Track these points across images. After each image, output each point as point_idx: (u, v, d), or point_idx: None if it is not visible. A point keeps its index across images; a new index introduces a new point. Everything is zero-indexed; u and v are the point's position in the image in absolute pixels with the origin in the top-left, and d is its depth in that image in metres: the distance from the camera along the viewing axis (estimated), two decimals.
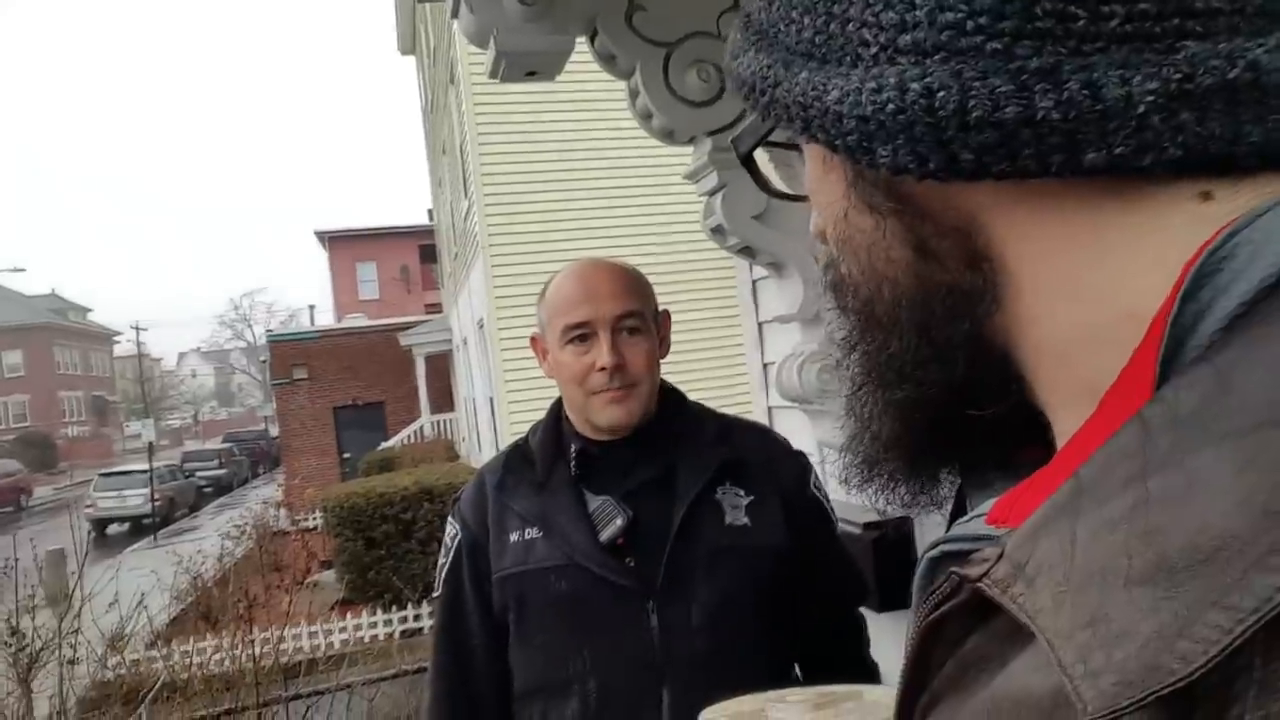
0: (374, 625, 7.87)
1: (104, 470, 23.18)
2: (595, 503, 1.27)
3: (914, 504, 0.44)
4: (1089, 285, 0.33)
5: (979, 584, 0.30)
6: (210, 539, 11.75)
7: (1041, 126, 0.31)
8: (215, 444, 36.50)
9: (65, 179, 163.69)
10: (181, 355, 78.52)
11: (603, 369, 1.25)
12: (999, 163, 0.32)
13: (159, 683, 4.54)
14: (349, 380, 20.28)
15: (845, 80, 0.34)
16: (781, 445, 1.42)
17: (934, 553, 0.37)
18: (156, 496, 18.77)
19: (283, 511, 15.03)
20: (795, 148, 0.44)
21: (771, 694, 0.70)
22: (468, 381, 13.55)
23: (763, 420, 2.89)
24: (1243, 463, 0.25)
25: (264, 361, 33.30)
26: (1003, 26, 0.31)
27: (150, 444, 19.79)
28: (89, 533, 12.47)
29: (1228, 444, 0.26)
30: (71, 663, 3.52)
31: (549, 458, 1.33)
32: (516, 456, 1.37)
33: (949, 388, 0.38)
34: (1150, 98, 0.30)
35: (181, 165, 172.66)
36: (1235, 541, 0.24)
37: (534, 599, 1.26)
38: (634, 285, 1.32)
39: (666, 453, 1.30)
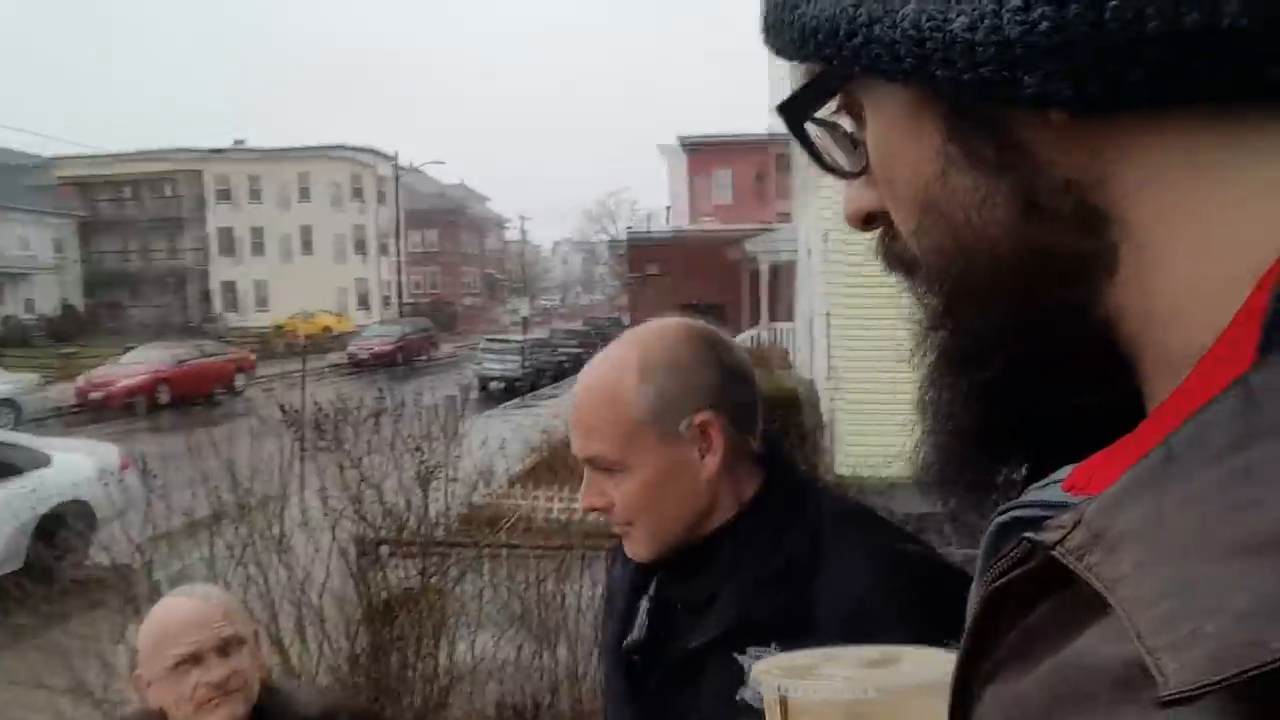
0: None
1: (490, 336, 27.13)
2: (644, 599, 1.12)
3: (987, 510, 0.39)
4: (1217, 239, 0.30)
5: (1053, 551, 0.28)
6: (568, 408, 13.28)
7: (1227, 35, 0.27)
8: (577, 325, 40.80)
9: (476, 93, 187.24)
10: (555, 244, 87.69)
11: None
12: (1175, 83, 0.28)
13: (516, 515, 5.39)
14: (695, 281, 21.39)
15: (974, 4, 0.30)
16: (898, 598, 0.89)
17: (1004, 518, 0.35)
18: (526, 364, 21.58)
19: None
20: (837, 127, 0.40)
21: (824, 650, 0.67)
22: (807, 293, 13.62)
23: None
24: None
25: (621, 255, 36.03)
26: None
27: (525, 319, 22.62)
28: (475, 386, 14.77)
29: None
30: (453, 480, 4.35)
31: None
32: None
33: (1046, 367, 0.34)
34: None
35: (565, 79, 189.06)
36: None
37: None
38: (609, 415, 1.05)
39: (716, 576, 1.03)
